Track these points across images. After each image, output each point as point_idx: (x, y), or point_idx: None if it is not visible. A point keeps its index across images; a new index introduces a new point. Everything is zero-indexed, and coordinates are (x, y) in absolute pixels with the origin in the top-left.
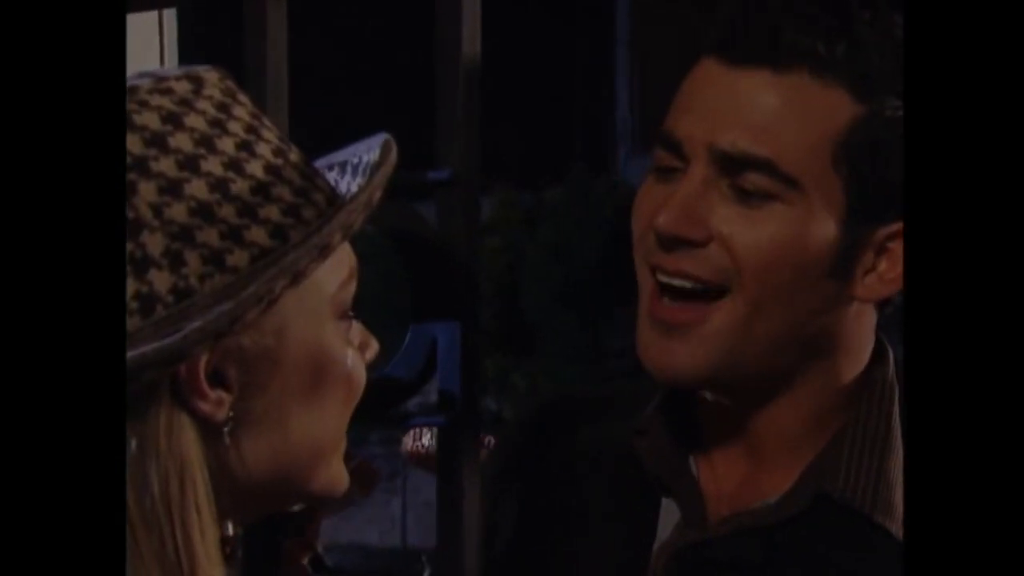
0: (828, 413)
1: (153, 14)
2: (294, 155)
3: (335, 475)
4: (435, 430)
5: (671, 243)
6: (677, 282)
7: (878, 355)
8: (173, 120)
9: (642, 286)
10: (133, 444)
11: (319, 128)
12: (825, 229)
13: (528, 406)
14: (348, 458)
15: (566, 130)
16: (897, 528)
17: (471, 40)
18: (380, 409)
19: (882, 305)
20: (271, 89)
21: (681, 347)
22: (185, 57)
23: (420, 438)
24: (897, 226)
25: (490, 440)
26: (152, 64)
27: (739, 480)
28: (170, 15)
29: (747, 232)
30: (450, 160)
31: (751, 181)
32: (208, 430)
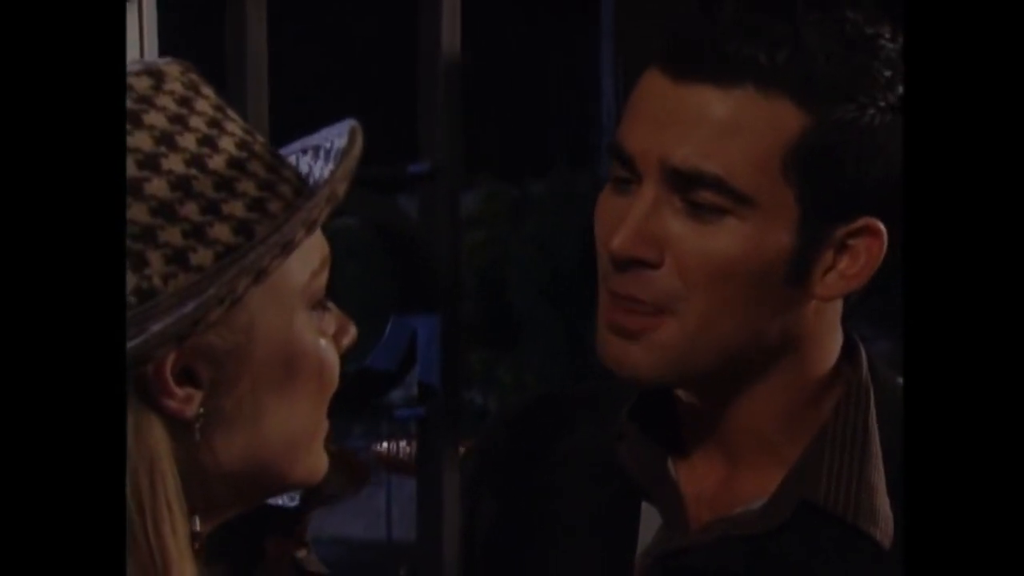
0: (801, 410)
1: (133, 5)
2: (259, 146)
3: (314, 464)
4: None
5: (625, 264)
6: (627, 304)
7: (849, 355)
8: (133, 119)
9: (600, 291)
10: None
11: (299, 121)
12: (779, 239)
13: (509, 404)
14: (349, 453)
15: (551, 123)
16: (881, 535)
17: (451, 32)
18: (360, 400)
19: (846, 296)
20: (251, 83)
21: (636, 350)
22: (165, 51)
23: (395, 450)
24: (859, 223)
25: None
26: (131, 56)
27: (718, 482)
28: (150, 6)
29: (700, 249)
30: (431, 153)
31: (703, 197)
32: (178, 427)
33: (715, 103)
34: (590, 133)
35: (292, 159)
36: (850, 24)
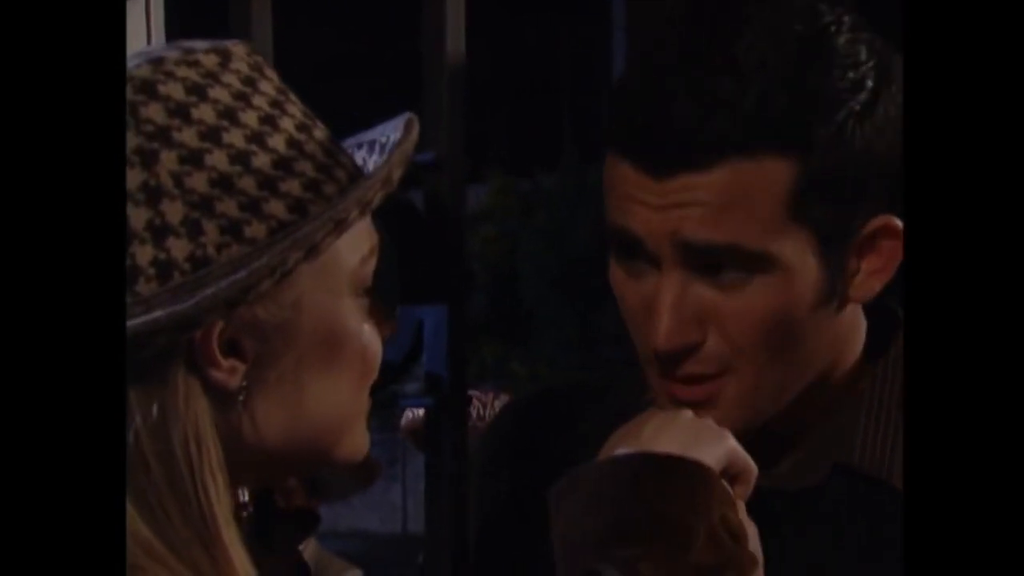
0: (835, 395)
1: (140, 3)
2: (319, 131)
3: (357, 443)
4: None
5: (674, 357)
6: (683, 380)
7: (890, 326)
8: (198, 92)
9: (648, 374)
10: (155, 407)
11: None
12: (807, 277)
13: (522, 393)
14: None
15: (561, 117)
16: None
17: (455, 23)
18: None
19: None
20: None
21: (707, 415)
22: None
23: (416, 415)
24: (875, 223)
25: (479, 401)
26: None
27: None
28: (157, 4)
29: (737, 314)
30: (436, 144)
31: (723, 266)
32: (222, 398)
33: (705, 187)
34: (601, 126)
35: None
36: (793, 36)
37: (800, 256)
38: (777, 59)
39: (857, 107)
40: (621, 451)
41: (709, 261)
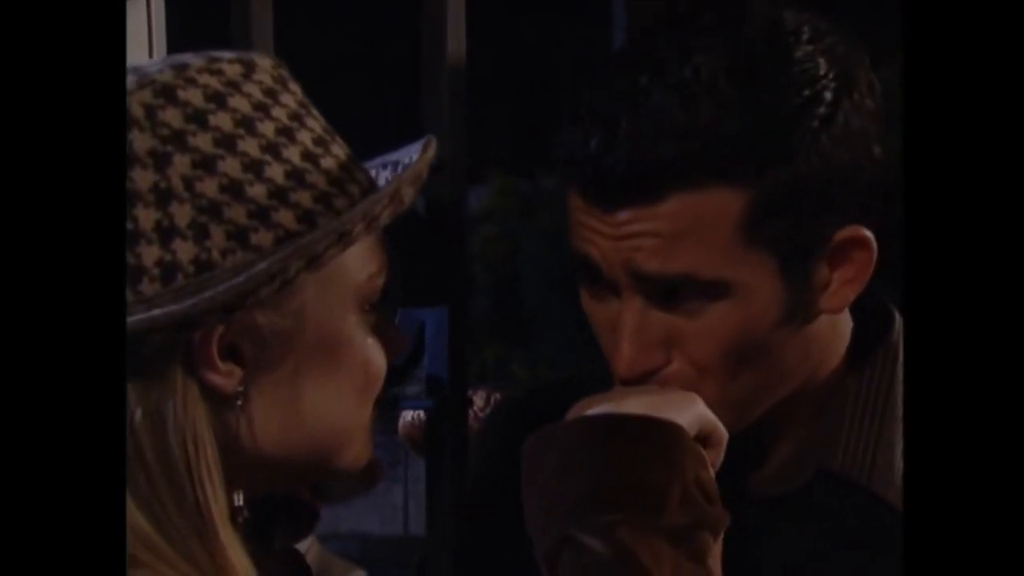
0: (822, 396)
1: (142, 3)
2: (337, 147)
3: (359, 453)
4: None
5: (636, 382)
6: None
7: (881, 322)
8: (217, 99)
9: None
10: (154, 405)
11: None
12: (768, 297)
13: (517, 391)
14: None
15: (563, 116)
16: (896, 497)
17: (456, 25)
18: None
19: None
20: None
21: None
22: (173, 47)
23: (415, 418)
24: (842, 235)
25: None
26: (140, 53)
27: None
28: (158, 5)
29: (698, 339)
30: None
31: (680, 294)
32: (220, 401)
33: (655, 218)
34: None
35: (372, 172)
36: (747, 55)
37: (758, 278)
38: (728, 81)
39: (815, 123)
40: (591, 412)
41: (665, 289)
